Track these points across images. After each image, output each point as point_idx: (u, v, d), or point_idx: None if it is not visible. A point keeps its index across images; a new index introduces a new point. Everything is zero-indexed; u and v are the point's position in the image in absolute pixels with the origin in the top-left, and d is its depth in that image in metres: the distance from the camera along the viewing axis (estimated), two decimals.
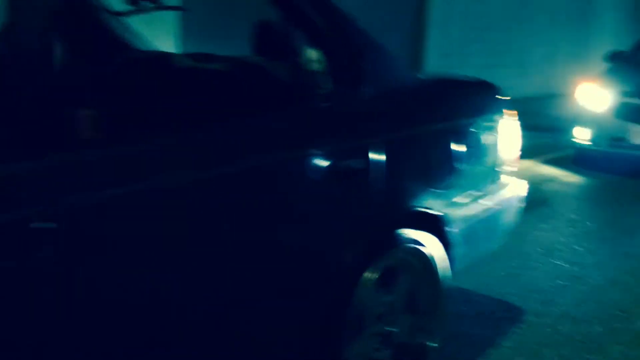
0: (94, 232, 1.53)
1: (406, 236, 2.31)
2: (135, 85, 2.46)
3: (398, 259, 2.31)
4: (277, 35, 2.31)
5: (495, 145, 2.84)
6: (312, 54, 2.21)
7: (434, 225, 2.45)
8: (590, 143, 6.61)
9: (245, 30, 2.54)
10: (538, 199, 5.34)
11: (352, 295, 2.14)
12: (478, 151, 2.74)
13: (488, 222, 2.83)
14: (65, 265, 1.48)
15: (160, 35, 7.60)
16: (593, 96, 6.64)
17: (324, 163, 2.03)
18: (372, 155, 2.16)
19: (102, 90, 2.57)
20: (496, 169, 2.87)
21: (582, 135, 6.66)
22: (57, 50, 1.66)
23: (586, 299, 3.45)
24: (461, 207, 2.60)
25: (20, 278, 1.43)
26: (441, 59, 9.84)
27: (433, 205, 2.43)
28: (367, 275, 2.18)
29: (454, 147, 2.55)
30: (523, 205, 3.10)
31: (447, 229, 2.50)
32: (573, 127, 6.79)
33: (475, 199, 2.71)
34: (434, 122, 2.54)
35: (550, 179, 6.23)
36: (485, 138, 2.76)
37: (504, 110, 2.92)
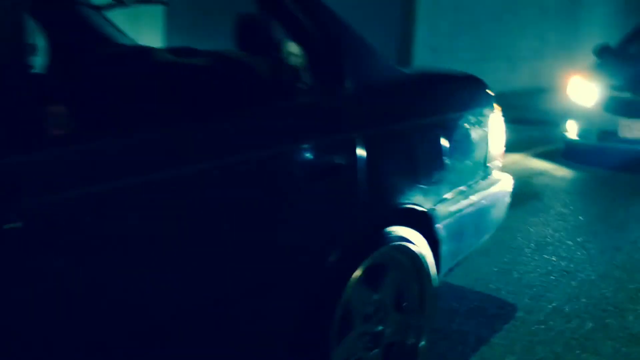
0: (63, 232, 1.47)
1: (394, 233, 2.25)
2: (112, 80, 2.39)
3: (386, 256, 2.25)
4: (257, 29, 2.25)
5: (484, 140, 2.79)
6: (293, 48, 2.15)
7: (422, 222, 2.39)
8: (579, 137, 6.60)
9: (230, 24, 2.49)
10: (528, 192, 5.31)
11: (339, 295, 2.08)
12: (466, 146, 2.68)
13: (477, 218, 2.78)
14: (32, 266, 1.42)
15: (147, 30, 7.55)
16: (582, 90, 6.64)
17: (307, 160, 1.98)
18: (357, 151, 2.10)
19: (77, 85, 2.51)
20: (486, 164, 2.82)
21: (571, 129, 6.65)
22: (32, 45, 1.60)
23: (577, 294, 3.41)
24: (450, 203, 2.55)
25: None
26: (429, 53, 9.81)
27: (421, 202, 2.38)
28: (354, 274, 2.12)
29: (441, 142, 2.49)
30: (510, 199, 3.06)
31: (435, 225, 2.45)
32: (563, 120, 6.79)
33: (464, 195, 2.65)
34: (420, 116, 2.48)
35: (541, 173, 6.20)
36: (474, 133, 2.72)
37: (492, 104, 2.88)
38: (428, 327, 2.48)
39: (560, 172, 6.31)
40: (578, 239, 4.29)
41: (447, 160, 2.52)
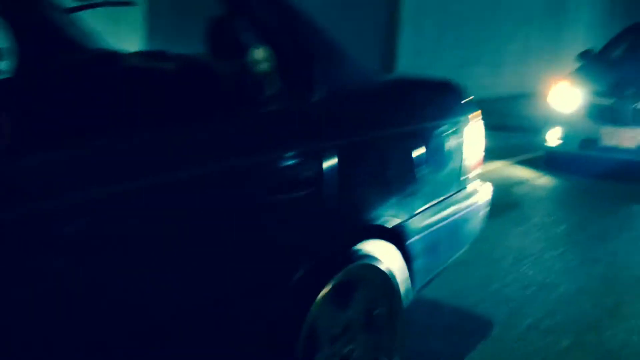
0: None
1: (362, 251, 2.16)
2: (70, 87, 2.29)
3: (354, 274, 2.15)
4: (226, 33, 2.15)
5: (460, 149, 2.70)
6: (261, 52, 2.05)
7: (394, 236, 2.30)
8: (561, 145, 6.54)
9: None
10: (509, 201, 5.25)
11: (305, 315, 1.99)
12: (441, 156, 2.60)
13: (452, 231, 2.70)
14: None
15: (127, 33, 7.43)
16: (565, 96, 6.58)
17: (270, 171, 1.88)
18: (325, 163, 2.01)
19: (33, 92, 2.41)
20: (461, 175, 2.74)
21: (553, 137, 6.60)
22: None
23: (555, 309, 3.34)
24: (423, 217, 2.46)
25: None
26: (414, 57, 9.75)
27: (392, 216, 2.29)
28: (321, 292, 2.02)
29: (414, 153, 2.41)
30: (488, 209, 2.98)
31: (408, 240, 2.36)
32: (545, 127, 6.72)
33: (438, 208, 2.57)
34: (393, 125, 2.39)
35: (521, 181, 6.14)
36: (450, 142, 2.63)
37: (470, 112, 2.80)
38: (400, 347, 2.40)
39: (541, 180, 6.26)
40: (557, 250, 4.22)
41: (419, 172, 2.43)
